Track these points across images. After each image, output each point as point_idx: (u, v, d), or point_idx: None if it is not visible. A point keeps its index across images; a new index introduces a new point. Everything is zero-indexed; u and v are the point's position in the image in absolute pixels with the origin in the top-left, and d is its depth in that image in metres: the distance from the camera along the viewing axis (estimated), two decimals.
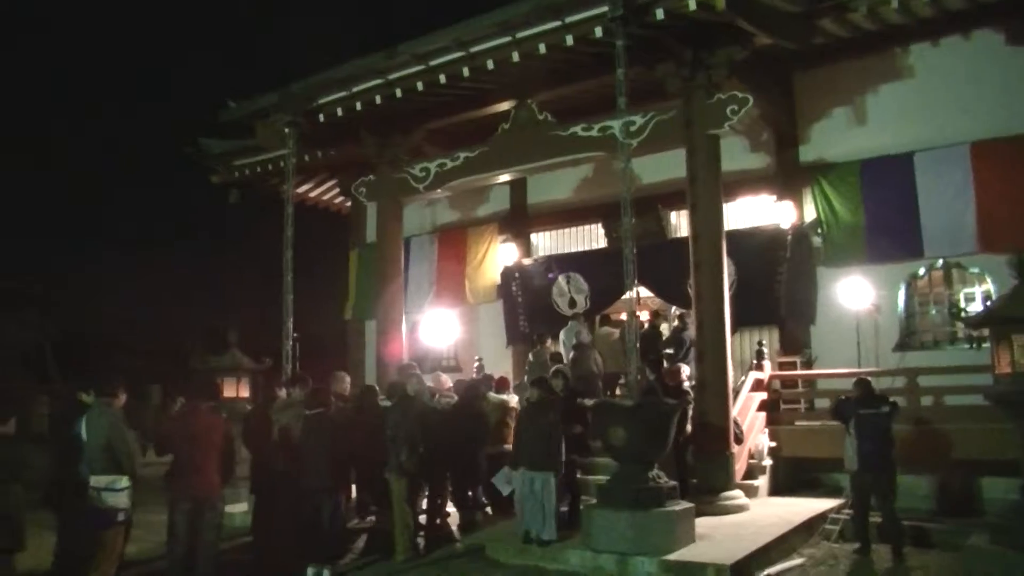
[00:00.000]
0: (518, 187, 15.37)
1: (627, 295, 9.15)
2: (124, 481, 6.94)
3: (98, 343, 26.66)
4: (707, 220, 10.15)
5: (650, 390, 9.09)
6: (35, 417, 14.57)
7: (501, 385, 10.85)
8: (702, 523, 8.44)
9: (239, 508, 10.67)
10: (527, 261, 15.19)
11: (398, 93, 11.28)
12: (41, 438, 8.21)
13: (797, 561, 8.17)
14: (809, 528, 9.11)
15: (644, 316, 13.54)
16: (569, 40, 9.80)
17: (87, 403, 7.63)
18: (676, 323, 12.89)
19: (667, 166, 12.05)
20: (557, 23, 9.73)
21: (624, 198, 8.93)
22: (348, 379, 10.65)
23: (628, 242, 8.92)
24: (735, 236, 11.49)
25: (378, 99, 11.42)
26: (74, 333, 27.35)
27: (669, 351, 12.35)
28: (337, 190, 18.06)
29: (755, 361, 11.80)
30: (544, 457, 8.46)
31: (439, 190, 12.68)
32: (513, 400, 10.54)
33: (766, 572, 7.67)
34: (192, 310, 27.90)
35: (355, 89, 11.52)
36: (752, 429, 10.82)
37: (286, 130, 11.91)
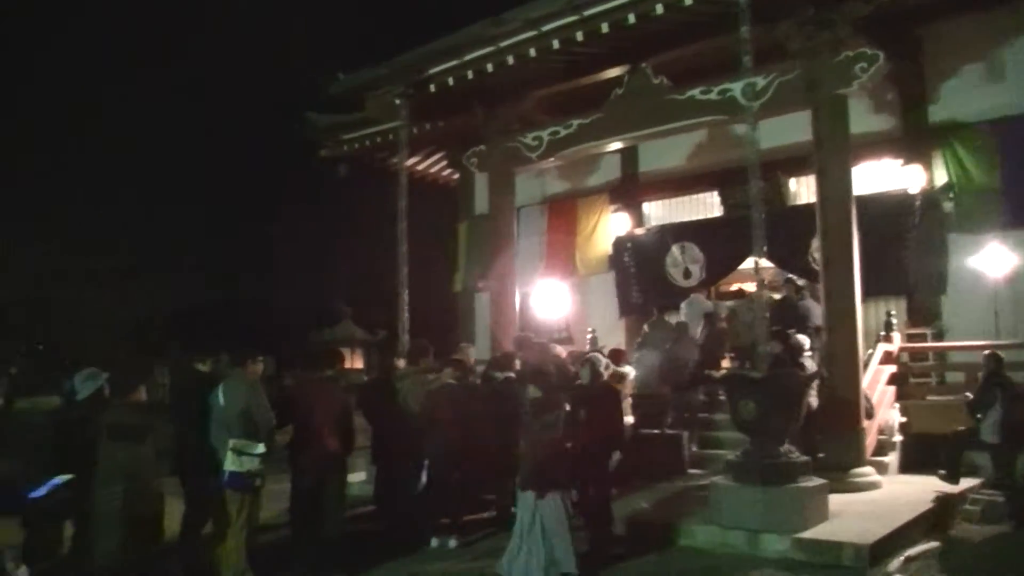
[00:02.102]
0: (629, 155, 15.06)
1: (745, 265, 8.78)
2: (260, 447, 7.00)
3: (211, 317, 27.46)
4: (835, 185, 9.71)
5: (780, 362, 8.76)
6: (155, 388, 15.08)
7: (616, 357, 10.64)
8: (833, 500, 8.04)
9: (357, 478, 10.78)
10: (639, 231, 14.90)
11: (509, 60, 11.11)
12: (162, 407, 8.36)
13: (935, 543, 7.76)
14: (946, 508, 8.66)
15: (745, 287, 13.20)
16: None
17: (205, 373, 7.76)
18: (784, 294, 12.43)
19: (786, 130, 11.55)
20: None
21: (751, 163, 8.60)
22: (472, 350, 10.60)
23: (754, 209, 8.60)
24: (859, 202, 10.96)
25: (489, 67, 11.28)
26: (189, 307, 28.27)
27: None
28: (445, 162, 18.04)
29: (883, 332, 11.30)
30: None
31: (551, 159, 12.47)
32: (631, 373, 10.35)
33: (906, 554, 7.30)
34: (305, 284, 28.44)
35: (466, 58, 11.40)
36: (881, 403, 10.38)
37: (396, 102, 11.88)
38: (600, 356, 9.02)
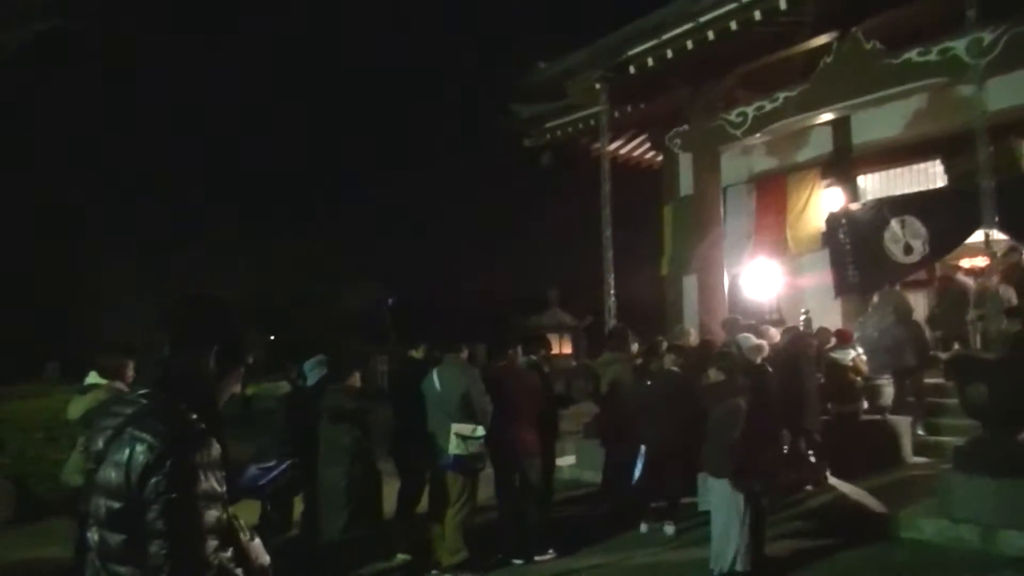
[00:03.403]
0: (841, 126, 14.29)
1: (973, 238, 8.14)
2: (481, 430, 7.20)
3: (427, 307, 28.55)
4: None
5: (1020, 341, 8.06)
6: (376, 375, 15.85)
7: (842, 338, 10.18)
8: None
9: (567, 461, 10.90)
10: (854, 206, 14.09)
11: (710, 36, 10.81)
12: (381, 394, 8.73)
13: None
14: None
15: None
16: None
17: (418, 360, 8.04)
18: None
19: (1019, 90, 10.63)
20: None
21: (978, 127, 7.98)
22: (693, 332, 10.47)
23: (983, 177, 7.97)
24: None
25: (689, 44, 11.03)
26: (406, 299, 29.50)
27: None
28: (648, 145, 17.82)
29: None
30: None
31: (758, 135, 12.06)
32: (850, 355, 9.85)
33: None
34: (514, 272, 29.05)
35: (665, 37, 11.20)
36: None
37: (597, 86, 11.86)
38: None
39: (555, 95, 14.60)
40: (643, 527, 8.28)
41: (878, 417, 10.27)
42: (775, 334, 10.54)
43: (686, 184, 15.03)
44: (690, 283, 14.79)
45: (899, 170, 14.06)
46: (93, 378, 7.05)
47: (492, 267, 29.66)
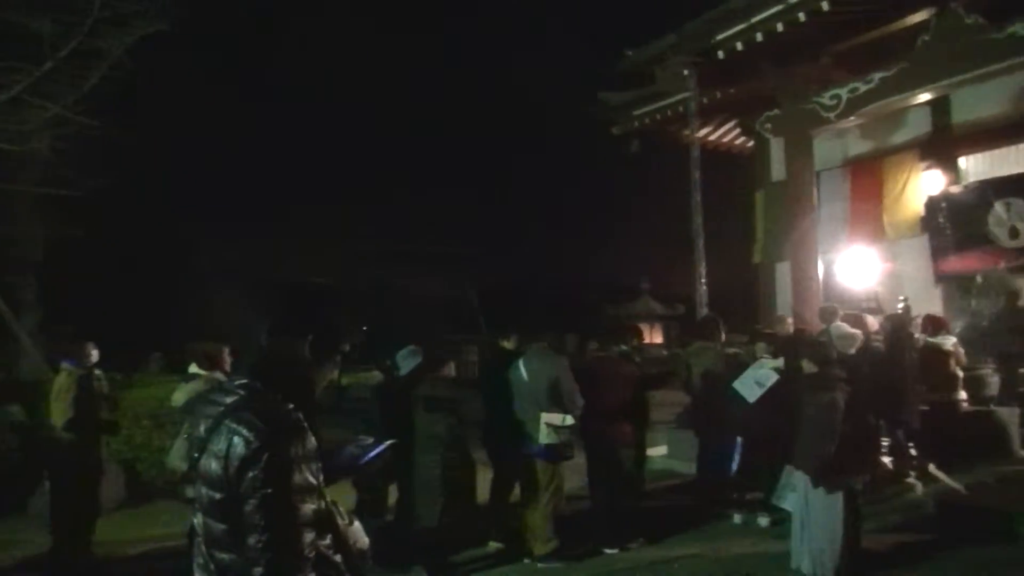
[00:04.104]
0: (940, 106, 13.77)
1: None
2: (570, 419, 7.24)
3: (517, 296, 28.66)
4: None
5: None
6: (466, 365, 16.01)
7: (936, 325, 9.86)
8: None
9: (659, 451, 10.84)
10: (955, 188, 13.61)
11: (801, 17, 10.54)
12: (473, 383, 8.82)
13: None
14: None
15: None
16: None
17: (509, 349, 8.10)
18: None
19: None
20: None
21: None
22: (789, 320, 10.31)
23: None
24: None
25: (779, 27, 10.78)
26: (496, 290, 29.65)
27: None
28: (737, 131, 17.53)
29: None
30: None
31: (852, 117, 11.74)
32: (949, 342, 9.53)
33: None
34: (604, 261, 28.96)
35: (755, 19, 10.97)
36: None
37: (685, 72, 11.73)
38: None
39: (643, 82, 14.50)
40: (737, 518, 8.20)
41: (983, 408, 9.90)
42: (873, 322, 10.28)
43: (778, 169, 14.74)
44: (783, 270, 14.51)
45: (1003, 150, 13.48)
46: (195, 367, 7.35)
47: (582, 256, 29.57)
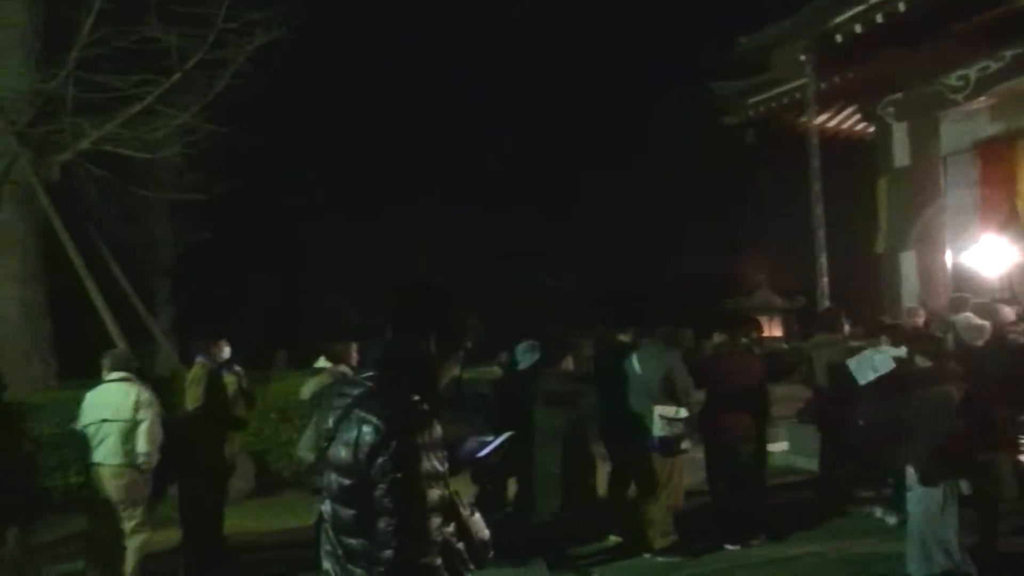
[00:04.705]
0: None
1: None
2: (684, 411, 7.19)
3: (632, 290, 28.49)
4: None
5: None
6: (582, 360, 15.96)
7: None
8: None
9: (779, 447, 10.63)
10: None
11: None
12: (588, 377, 8.84)
13: None
14: None
15: None
16: None
17: (626, 343, 8.11)
18: None
19: None
20: None
21: None
22: (921, 312, 9.99)
23: None
24: None
25: (901, 6, 10.38)
26: (610, 283, 29.57)
27: None
28: (857, 116, 16.97)
29: None
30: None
31: (981, 98, 11.25)
32: None
33: None
34: (719, 253, 28.48)
35: (874, 0, 10.63)
36: None
37: (801, 57, 11.43)
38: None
39: (757, 70, 14.20)
40: (862, 515, 7.95)
41: None
42: (1009, 313, 9.79)
43: (901, 155, 14.21)
44: (908, 260, 13.99)
45: None
46: (322, 362, 7.62)
47: (697, 249, 29.15)
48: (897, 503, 7.73)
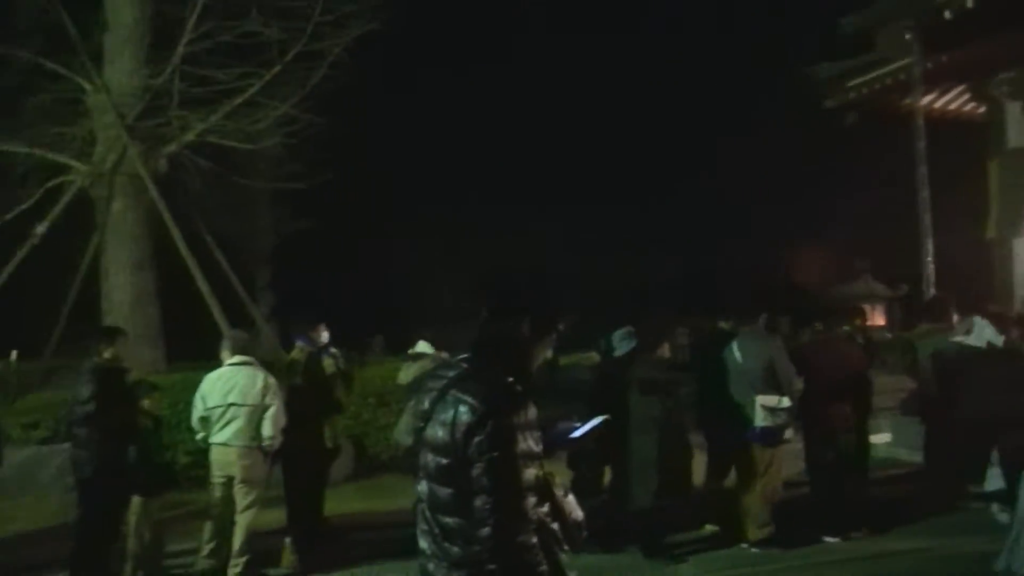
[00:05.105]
0: None
1: None
2: (786, 401, 7.07)
3: (726, 277, 28.03)
4: None
5: None
6: (679, 348, 15.79)
7: None
8: None
9: (882, 439, 10.34)
10: None
11: None
12: (684, 365, 8.75)
13: None
14: None
15: None
16: None
17: (726, 331, 7.96)
18: None
19: None
20: None
21: None
22: None
23: None
24: None
25: None
26: (706, 269, 29.15)
27: None
28: (966, 96, 16.31)
29: None
30: None
31: None
32: None
33: None
34: (819, 240, 27.78)
35: None
36: None
37: (907, 36, 11.05)
38: None
39: (859, 51, 13.79)
40: (970, 512, 7.66)
41: None
42: None
43: (1015, 136, 13.63)
44: (1021, 246, 13.41)
45: None
46: (422, 347, 7.70)
47: (797, 235, 28.48)
48: (1012, 499, 7.44)
